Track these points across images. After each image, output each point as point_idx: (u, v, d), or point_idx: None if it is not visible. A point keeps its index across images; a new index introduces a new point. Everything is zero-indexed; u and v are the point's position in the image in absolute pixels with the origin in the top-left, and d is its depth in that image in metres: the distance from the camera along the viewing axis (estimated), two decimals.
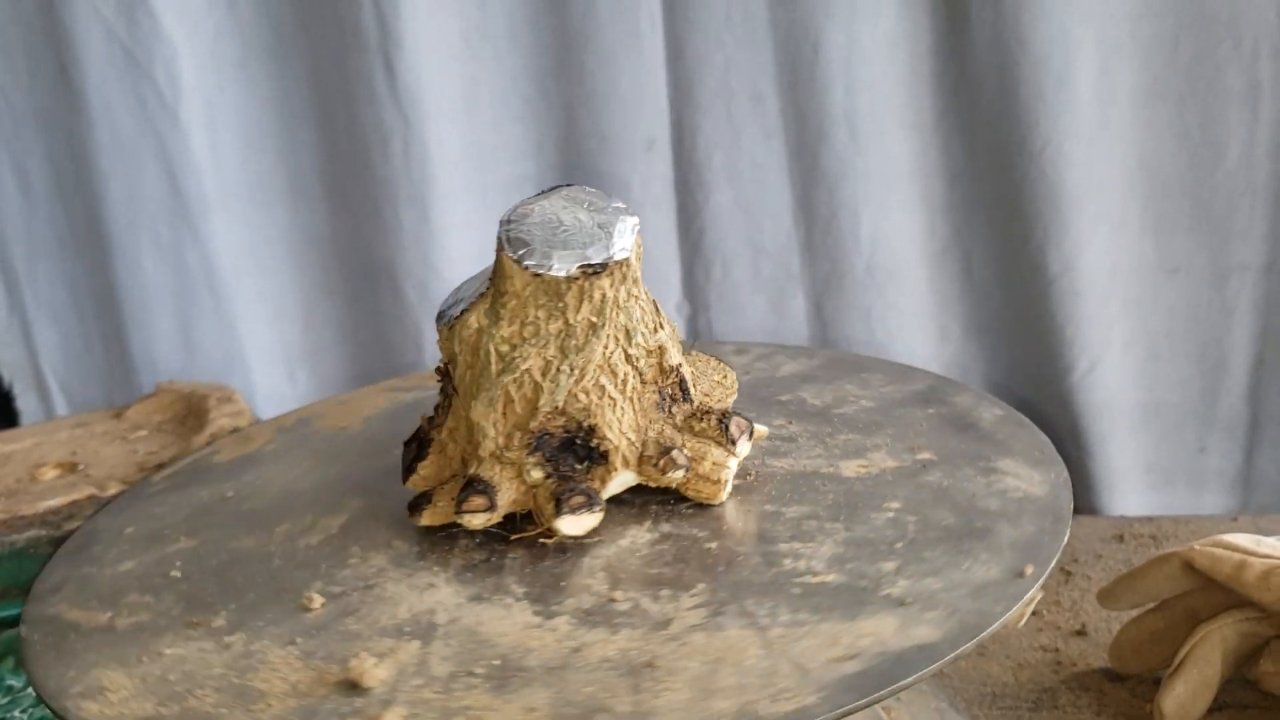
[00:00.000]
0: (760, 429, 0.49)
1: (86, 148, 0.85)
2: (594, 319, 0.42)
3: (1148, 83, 0.78)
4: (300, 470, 0.54)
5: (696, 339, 0.57)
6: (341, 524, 0.48)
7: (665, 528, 0.44)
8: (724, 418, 0.45)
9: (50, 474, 0.65)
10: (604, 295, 0.42)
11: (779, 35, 0.82)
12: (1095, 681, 0.61)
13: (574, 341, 0.43)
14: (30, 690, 0.57)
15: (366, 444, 0.57)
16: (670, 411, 0.45)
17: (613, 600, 0.40)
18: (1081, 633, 0.65)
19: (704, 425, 0.45)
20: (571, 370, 0.42)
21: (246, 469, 0.56)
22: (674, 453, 0.44)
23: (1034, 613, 0.67)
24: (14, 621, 0.57)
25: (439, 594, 0.42)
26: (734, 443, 0.45)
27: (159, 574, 0.46)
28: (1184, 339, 0.84)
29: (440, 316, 0.45)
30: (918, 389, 0.56)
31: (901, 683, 0.34)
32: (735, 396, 0.49)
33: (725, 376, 0.49)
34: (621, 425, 0.43)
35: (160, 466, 0.62)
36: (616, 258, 0.42)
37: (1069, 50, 0.77)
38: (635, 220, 0.44)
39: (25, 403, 0.93)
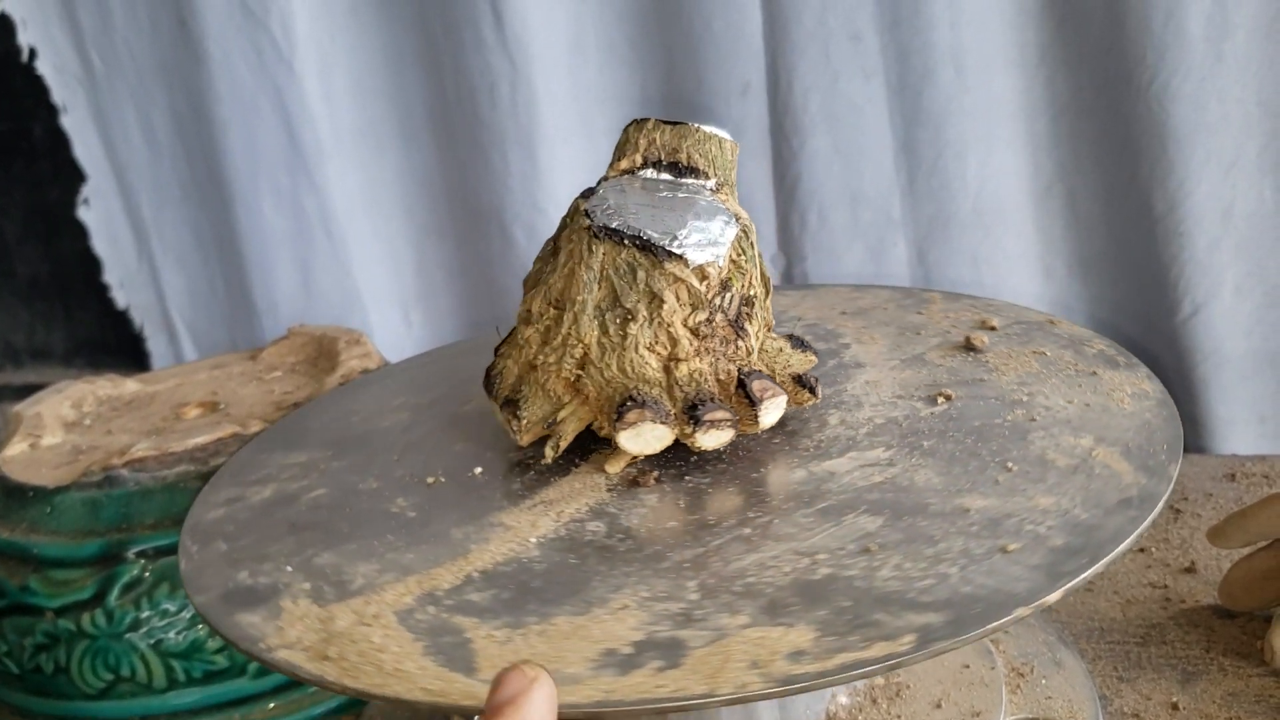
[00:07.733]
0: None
1: (207, 99, 0.89)
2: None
3: (1269, 17, 0.76)
4: None
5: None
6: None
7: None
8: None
9: (193, 413, 0.68)
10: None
11: None
12: (1205, 618, 0.61)
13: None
14: (183, 614, 0.61)
15: None
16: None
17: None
18: (1191, 570, 0.65)
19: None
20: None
21: None
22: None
23: (1141, 549, 0.68)
24: (168, 550, 0.61)
25: None
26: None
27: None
28: None
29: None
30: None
31: None
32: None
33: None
34: None
35: (295, 405, 0.66)
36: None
37: None
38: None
39: (155, 344, 0.98)
